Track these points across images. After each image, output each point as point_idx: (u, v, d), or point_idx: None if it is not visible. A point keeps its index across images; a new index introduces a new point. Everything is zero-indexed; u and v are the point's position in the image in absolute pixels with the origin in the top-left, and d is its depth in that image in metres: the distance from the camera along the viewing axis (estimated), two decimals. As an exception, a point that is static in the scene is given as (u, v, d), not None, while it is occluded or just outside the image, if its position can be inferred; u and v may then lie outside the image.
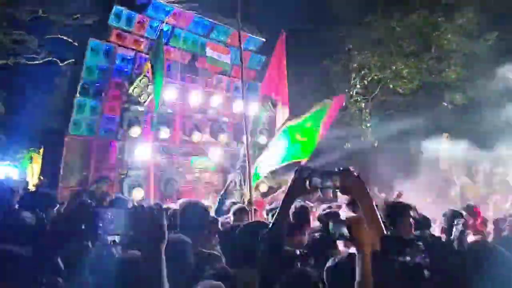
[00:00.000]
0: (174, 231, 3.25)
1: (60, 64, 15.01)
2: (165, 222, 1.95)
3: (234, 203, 5.76)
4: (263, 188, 10.97)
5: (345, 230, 1.96)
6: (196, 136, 11.01)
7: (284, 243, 2.46)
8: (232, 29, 11.58)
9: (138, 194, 9.54)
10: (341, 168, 2.22)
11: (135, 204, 5.03)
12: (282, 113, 11.47)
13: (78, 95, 9.55)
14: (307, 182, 2.19)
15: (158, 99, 8.88)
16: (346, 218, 2.07)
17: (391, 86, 14.57)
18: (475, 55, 13.79)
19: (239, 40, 5.85)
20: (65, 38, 14.17)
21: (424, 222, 4.24)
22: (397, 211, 3.60)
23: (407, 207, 3.71)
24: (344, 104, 8.35)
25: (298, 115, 8.14)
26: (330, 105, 8.28)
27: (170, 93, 10.24)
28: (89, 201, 4.67)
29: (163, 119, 10.45)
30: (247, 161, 5.67)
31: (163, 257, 1.90)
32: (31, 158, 16.91)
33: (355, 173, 2.22)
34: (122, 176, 9.72)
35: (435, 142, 14.45)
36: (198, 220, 3.40)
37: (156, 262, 1.87)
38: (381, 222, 2.20)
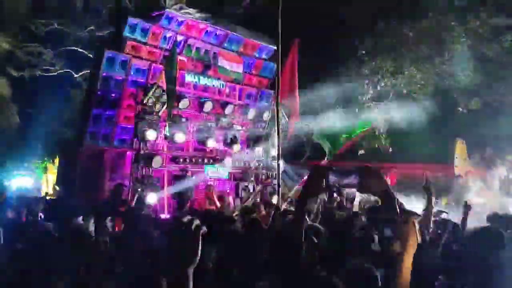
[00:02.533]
0: None
1: (75, 76, 15.26)
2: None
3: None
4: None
5: (389, 232, 1.93)
6: (210, 145, 11.09)
7: (302, 244, 2.42)
8: (244, 39, 11.68)
9: (152, 203, 9.60)
10: (360, 166, 2.18)
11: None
12: (292, 121, 11.51)
13: (94, 106, 9.69)
14: (324, 181, 2.14)
15: (171, 109, 8.95)
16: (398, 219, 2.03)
17: (404, 91, 14.48)
18: (489, 59, 13.64)
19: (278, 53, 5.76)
20: (80, 50, 14.41)
21: None
22: None
23: None
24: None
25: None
26: None
27: (183, 103, 10.35)
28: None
29: (177, 128, 10.54)
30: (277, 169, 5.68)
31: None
32: (45, 168, 17.16)
33: (374, 170, 2.17)
34: (137, 185, 9.79)
35: (450, 147, 14.29)
36: None
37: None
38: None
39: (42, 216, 4.73)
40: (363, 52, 14.21)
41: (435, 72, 14.29)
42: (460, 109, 14.65)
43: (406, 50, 14.24)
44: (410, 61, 14.30)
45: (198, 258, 1.40)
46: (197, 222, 1.42)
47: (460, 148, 14.12)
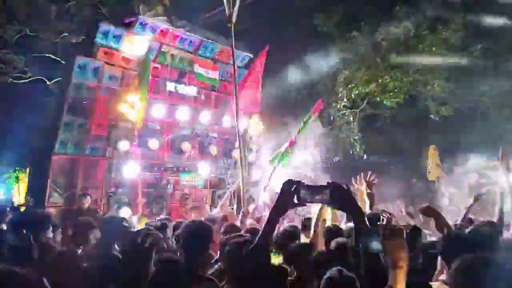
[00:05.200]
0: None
1: (48, 83, 14.95)
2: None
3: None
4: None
5: (377, 245, 1.93)
6: (184, 152, 11.00)
7: (270, 258, 2.42)
8: (220, 46, 11.70)
9: (125, 212, 9.44)
10: (330, 182, 2.20)
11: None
12: (257, 125, 11.53)
13: (65, 113, 9.50)
14: (295, 196, 2.16)
15: (142, 116, 8.85)
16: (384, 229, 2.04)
17: (378, 99, 14.75)
18: (460, 68, 14.03)
19: (233, 57, 5.74)
20: (52, 56, 14.14)
21: None
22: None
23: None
24: (323, 107, 8.64)
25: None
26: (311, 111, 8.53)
27: (158, 110, 10.26)
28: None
29: (151, 135, 10.44)
30: (241, 174, 5.60)
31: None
32: (17, 177, 16.68)
33: (344, 187, 2.19)
34: (110, 194, 9.63)
35: (423, 154, 14.61)
36: (201, 242, 3.10)
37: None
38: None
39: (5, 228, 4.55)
40: (337, 60, 14.42)
41: (407, 80, 14.61)
42: (432, 116, 15.01)
43: (379, 58, 14.52)
44: (383, 70, 14.58)
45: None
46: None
47: (432, 154, 14.44)
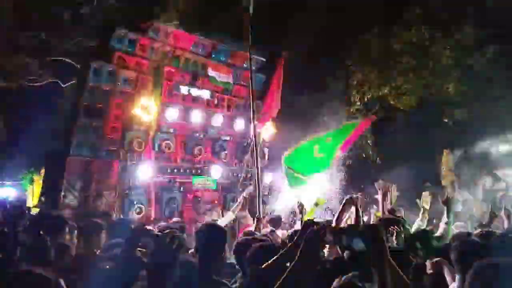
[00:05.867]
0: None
1: (62, 86, 15.14)
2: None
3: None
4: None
5: (361, 245, 1.82)
6: (197, 155, 11.05)
7: None
8: (233, 49, 11.75)
9: (139, 214, 9.53)
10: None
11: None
12: (269, 129, 11.49)
13: (80, 116, 9.61)
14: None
15: (156, 119, 8.92)
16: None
17: (391, 102, 14.67)
18: (473, 70, 13.90)
19: (250, 62, 5.69)
20: (67, 60, 14.32)
21: None
22: None
23: None
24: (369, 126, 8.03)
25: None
26: (356, 125, 8.09)
27: (171, 113, 10.32)
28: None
29: (165, 138, 10.51)
30: (256, 179, 5.57)
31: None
32: (32, 179, 16.90)
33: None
34: (124, 196, 9.71)
35: (437, 158, 14.47)
36: (216, 245, 3.07)
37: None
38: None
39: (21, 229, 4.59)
40: (350, 64, 14.39)
41: (421, 83, 14.51)
42: (446, 120, 14.86)
43: (392, 61, 14.45)
44: (396, 73, 14.51)
45: None
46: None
47: (446, 158, 14.30)
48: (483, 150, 14.07)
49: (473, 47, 13.88)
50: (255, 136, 6.09)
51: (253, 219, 6.10)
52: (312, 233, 2.01)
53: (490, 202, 13.19)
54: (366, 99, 14.69)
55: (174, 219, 7.45)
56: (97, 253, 4.16)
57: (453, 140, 14.70)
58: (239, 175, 12.01)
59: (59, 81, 15.15)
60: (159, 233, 2.27)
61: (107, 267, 2.70)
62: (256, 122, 11.75)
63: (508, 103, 13.95)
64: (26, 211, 5.83)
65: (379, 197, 5.71)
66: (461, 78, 14.25)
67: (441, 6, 13.98)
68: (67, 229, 4.86)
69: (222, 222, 5.51)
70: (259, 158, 5.60)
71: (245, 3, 5.25)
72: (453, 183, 14.08)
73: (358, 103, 14.73)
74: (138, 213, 9.59)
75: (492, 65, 13.68)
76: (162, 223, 5.94)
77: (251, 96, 5.68)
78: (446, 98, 14.61)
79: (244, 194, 7.72)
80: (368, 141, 15.02)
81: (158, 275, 1.95)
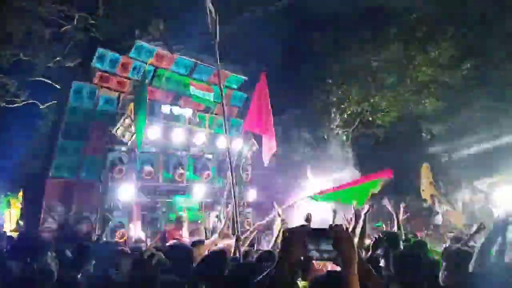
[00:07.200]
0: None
1: (41, 107, 14.94)
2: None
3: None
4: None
5: (327, 246, 1.72)
6: (179, 174, 10.97)
7: None
8: (214, 68, 11.84)
9: (121, 235, 9.36)
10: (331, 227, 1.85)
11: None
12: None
13: (60, 137, 9.49)
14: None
15: (140, 139, 8.86)
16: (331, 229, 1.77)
17: (370, 118, 14.97)
18: (450, 86, 14.32)
19: (219, 79, 5.81)
20: (47, 81, 14.18)
21: None
22: None
23: None
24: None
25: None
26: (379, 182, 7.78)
27: (153, 132, 10.26)
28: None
29: (147, 158, 10.44)
30: (232, 197, 5.58)
31: None
32: (8, 202, 16.44)
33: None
34: (105, 218, 9.53)
35: (416, 172, 14.74)
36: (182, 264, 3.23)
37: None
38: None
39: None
40: (330, 81, 14.67)
41: (399, 99, 14.87)
42: (424, 134, 15.23)
43: (371, 78, 14.80)
44: (375, 89, 14.85)
45: None
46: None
47: (425, 172, 14.60)
48: (461, 162, 14.41)
49: (448, 64, 14.34)
50: (229, 152, 6.12)
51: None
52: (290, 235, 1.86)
53: (468, 214, 13.54)
54: (345, 115, 14.96)
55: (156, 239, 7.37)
56: (79, 277, 4.10)
57: (432, 153, 15.04)
58: (223, 193, 11.96)
59: (37, 102, 14.96)
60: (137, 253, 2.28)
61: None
62: (238, 139, 11.97)
63: (483, 116, 14.43)
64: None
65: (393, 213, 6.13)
66: (438, 94, 14.67)
67: (415, 25, 14.45)
68: (49, 254, 4.80)
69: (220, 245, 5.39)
70: (234, 174, 5.61)
71: (211, 29, 5.39)
72: (433, 196, 14.35)
73: (338, 119, 14.98)
74: (120, 235, 9.41)
75: (466, 81, 14.14)
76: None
77: (223, 111, 5.78)
78: (423, 112, 15.00)
79: (226, 215, 7.69)
80: (349, 156, 15.22)
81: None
